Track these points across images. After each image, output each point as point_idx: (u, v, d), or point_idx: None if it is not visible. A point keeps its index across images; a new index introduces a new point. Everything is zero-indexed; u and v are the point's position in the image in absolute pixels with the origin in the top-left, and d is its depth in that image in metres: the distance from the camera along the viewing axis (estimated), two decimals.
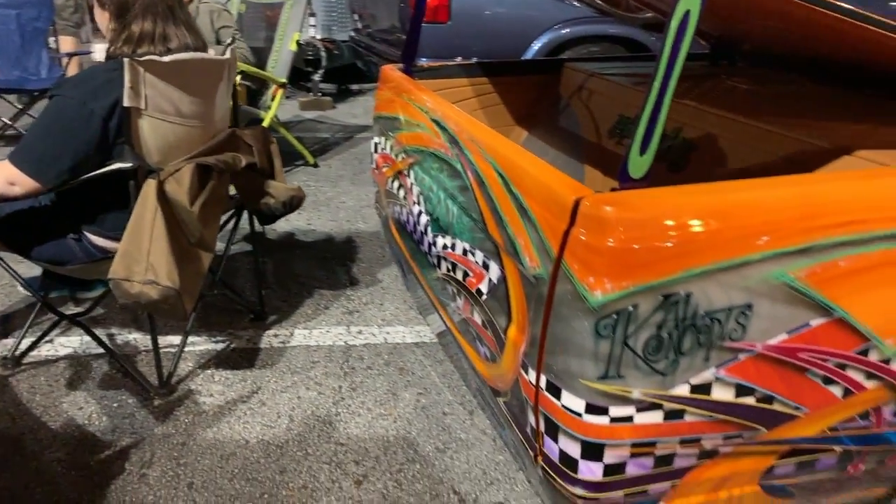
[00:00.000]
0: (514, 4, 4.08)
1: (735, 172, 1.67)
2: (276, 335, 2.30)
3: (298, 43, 3.90)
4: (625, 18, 2.66)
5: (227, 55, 1.94)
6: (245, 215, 2.24)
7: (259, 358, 2.16)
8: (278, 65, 3.96)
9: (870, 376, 1.18)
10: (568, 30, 4.08)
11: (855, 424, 1.22)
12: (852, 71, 1.89)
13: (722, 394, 1.11)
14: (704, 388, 1.10)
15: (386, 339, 2.29)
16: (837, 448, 1.24)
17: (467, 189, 1.46)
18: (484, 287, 1.40)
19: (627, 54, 4.04)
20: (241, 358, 2.17)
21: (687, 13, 1.00)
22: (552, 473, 1.20)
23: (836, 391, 1.17)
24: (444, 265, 1.64)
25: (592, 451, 1.12)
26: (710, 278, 1.04)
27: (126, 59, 1.61)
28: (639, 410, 1.09)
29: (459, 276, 1.53)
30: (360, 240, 3.10)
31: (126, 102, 1.62)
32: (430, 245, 1.75)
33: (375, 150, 2.36)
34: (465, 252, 1.51)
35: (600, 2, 2.48)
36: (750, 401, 1.13)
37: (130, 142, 1.68)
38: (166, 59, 1.68)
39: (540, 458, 1.23)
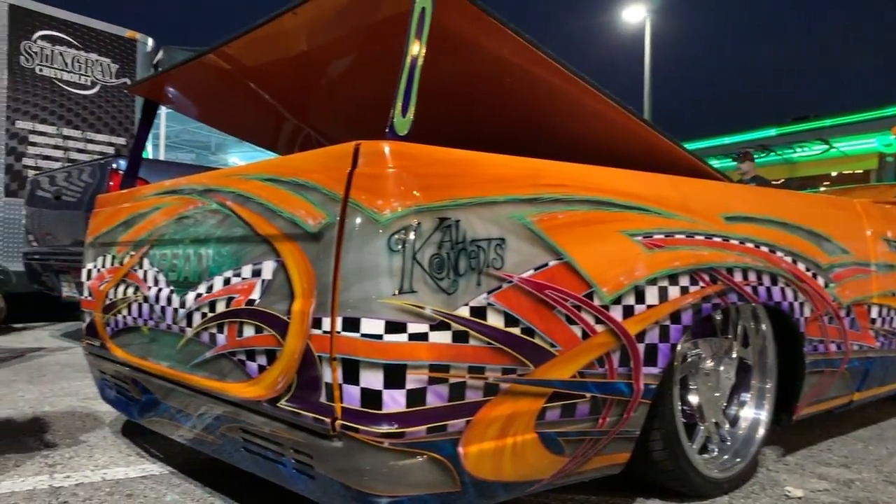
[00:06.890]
0: None
1: None
2: None
3: None
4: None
5: None
6: None
7: None
8: None
9: (598, 320, 1.43)
10: None
11: (595, 371, 1.43)
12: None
13: (494, 320, 1.25)
14: (481, 312, 1.24)
15: (104, 478, 1.94)
16: (587, 395, 1.43)
17: (229, 216, 1.50)
18: (256, 293, 1.39)
19: None
20: None
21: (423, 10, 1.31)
22: (355, 425, 1.16)
23: (577, 331, 1.39)
24: (195, 318, 1.57)
25: (395, 375, 1.14)
26: (470, 210, 1.24)
27: None
28: (432, 329, 1.17)
29: (221, 308, 1.49)
30: (50, 419, 2.66)
31: None
32: (174, 312, 1.66)
33: (88, 277, 2.21)
34: (227, 282, 1.49)
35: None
36: (517, 331, 1.29)
37: None
38: None
39: (339, 422, 1.19)
